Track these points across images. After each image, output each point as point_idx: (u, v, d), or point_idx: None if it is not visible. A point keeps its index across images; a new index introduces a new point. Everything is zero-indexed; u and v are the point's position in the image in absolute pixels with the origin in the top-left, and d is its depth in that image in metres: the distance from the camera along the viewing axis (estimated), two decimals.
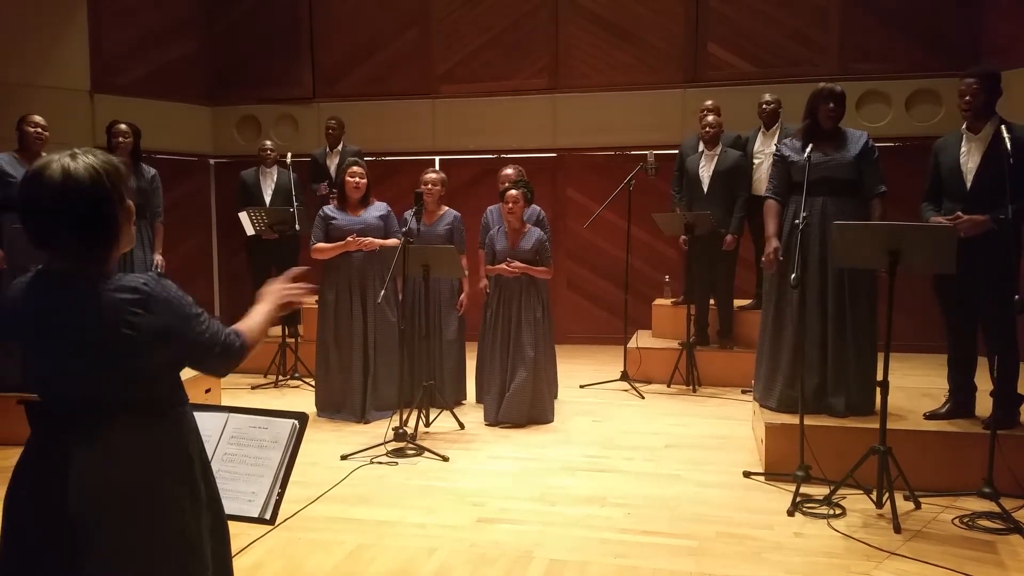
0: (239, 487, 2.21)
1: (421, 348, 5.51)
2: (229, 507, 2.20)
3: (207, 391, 5.71)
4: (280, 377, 6.73)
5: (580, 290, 8.66)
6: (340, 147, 7.54)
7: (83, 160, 1.72)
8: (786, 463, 4.15)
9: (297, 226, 6.58)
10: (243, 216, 6.69)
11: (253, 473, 2.22)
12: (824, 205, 4.35)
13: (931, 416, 4.33)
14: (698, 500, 4.01)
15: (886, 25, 7.75)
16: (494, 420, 5.39)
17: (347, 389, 5.52)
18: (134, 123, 5.72)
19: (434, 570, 3.27)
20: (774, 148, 6.29)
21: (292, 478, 2.24)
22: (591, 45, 8.44)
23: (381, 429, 5.02)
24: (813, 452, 4.00)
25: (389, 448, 4.76)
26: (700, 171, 6.51)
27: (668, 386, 6.49)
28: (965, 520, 3.67)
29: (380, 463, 4.60)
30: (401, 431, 4.80)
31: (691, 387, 6.40)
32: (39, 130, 5.29)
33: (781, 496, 4.01)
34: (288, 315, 6.97)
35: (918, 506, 3.84)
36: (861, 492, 3.90)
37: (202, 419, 2.28)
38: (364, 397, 5.51)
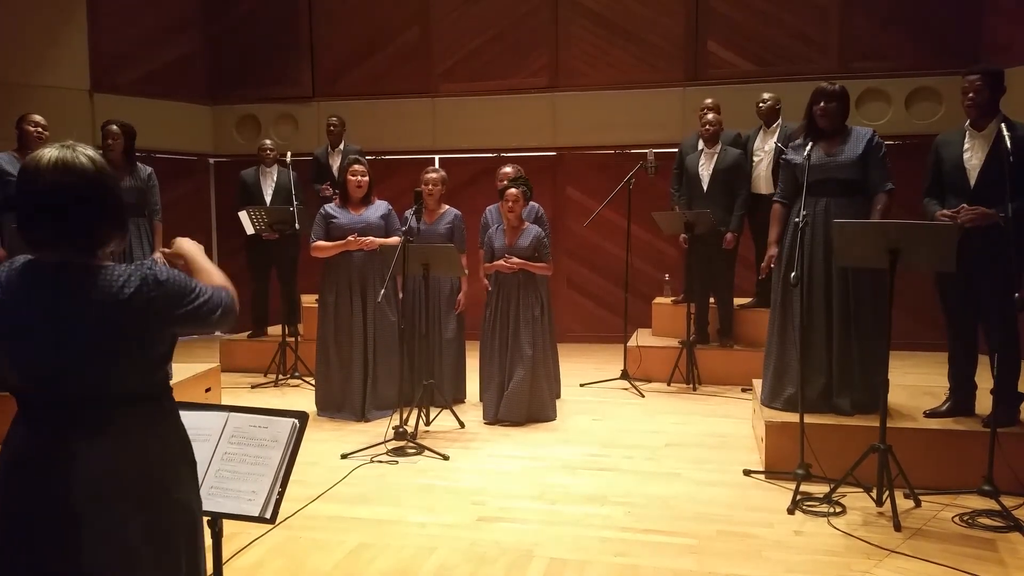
0: (239, 486, 2.21)
1: (421, 347, 5.51)
2: (229, 506, 2.20)
3: (207, 390, 5.72)
4: (280, 376, 6.73)
5: (580, 289, 8.66)
6: (342, 146, 7.53)
7: (80, 151, 1.73)
8: (786, 461, 4.15)
9: (297, 225, 6.58)
10: (243, 215, 6.69)
11: (253, 472, 2.22)
12: (828, 205, 4.34)
13: (931, 414, 4.32)
14: (698, 499, 4.01)
15: (886, 23, 7.76)
16: (493, 418, 5.40)
17: (347, 388, 5.53)
18: (127, 123, 5.63)
19: (434, 569, 3.27)
20: (773, 146, 6.33)
21: (292, 477, 2.24)
22: (591, 44, 8.44)
23: (381, 428, 5.02)
24: (813, 450, 4.00)
25: (389, 447, 4.76)
26: (700, 169, 6.50)
27: (668, 385, 6.49)
28: (965, 518, 3.66)
29: (380, 462, 4.60)
30: (401, 430, 4.80)
31: (691, 386, 6.40)
32: (39, 130, 5.29)
33: (781, 494, 4.01)
34: (288, 314, 7.01)
35: (918, 504, 3.84)
36: (861, 490, 3.90)
37: (202, 418, 2.29)
38: (364, 396, 5.51)
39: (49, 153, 1.71)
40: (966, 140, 4.10)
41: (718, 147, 6.46)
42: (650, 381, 6.60)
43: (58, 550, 1.67)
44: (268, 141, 7.36)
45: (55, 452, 1.69)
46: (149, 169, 5.74)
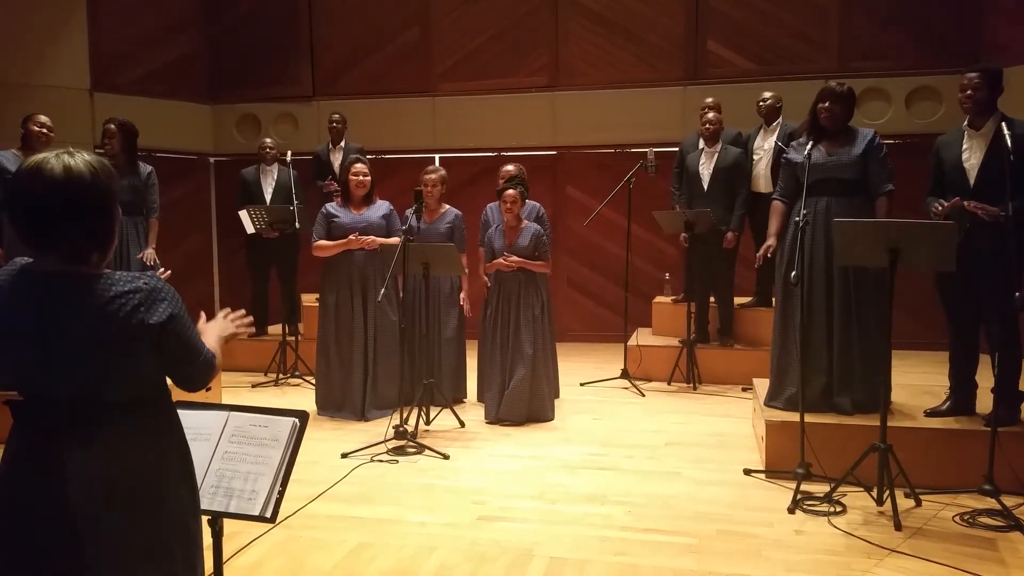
0: (239, 485, 2.21)
1: (421, 346, 5.51)
2: (229, 505, 2.20)
3: (207, 389, 5.71)
4: (280, 375, 6.73)
5: (580, 288, 8.66)
6: (343, 143, 7.51)
7: (81, 157, 1.71)
8: (786, 461, 4.15)
9: (297, 224, 6.58)
10: (243, 214, 6.68)
11: (253, 471, 2.22)
12: (828, 204, 4.34)
13: (932, 413, 4.32)
14: (698, 498, 4.01)
15: (886, 22, 7.75)
16: (494, 418, 5.40)
17: (347, 387, 5.52)
18: (127, 121, 5.63)
19: (434, 568, 3.27)
20: (774, 145, 6.33)
21: (292, 476, 2.24)
22: (591, 43, 8.43)
23: (381, 427, 5.02)
24: (813, 449, 4.00)
25: (389, 446, 4.76)
26: (700, 168, 6.50)
27: (668, 384, 6.49)
28: (966, 517, 3.66)
29: (380, 461, 4.60)
30: (401, 429, 4.80)
31: (691, 385, 6.40)
32: (44, 130, 5.30)
33: (781, 494, 4.01)
34: (289, 313, 7.01)
35: (919, 503, 3.84)
36: (862, 489, 3.90)
37: (202, 417, 2.29)
38: (364, 395, 5.51)
39: (44, 161, 1.68)
40: (964, 140, 4.10)
41: (718, 146, 6.45)
42: (650, 380, 6.60)
43: (54, 556, 1.67)
44: (268, 140, 7.36)
45: (47, 459, 1.68)
46: (149, 168, 5.74)
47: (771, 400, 4.61)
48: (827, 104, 4.32)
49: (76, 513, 1.66)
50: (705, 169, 6.48)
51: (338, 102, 8.62)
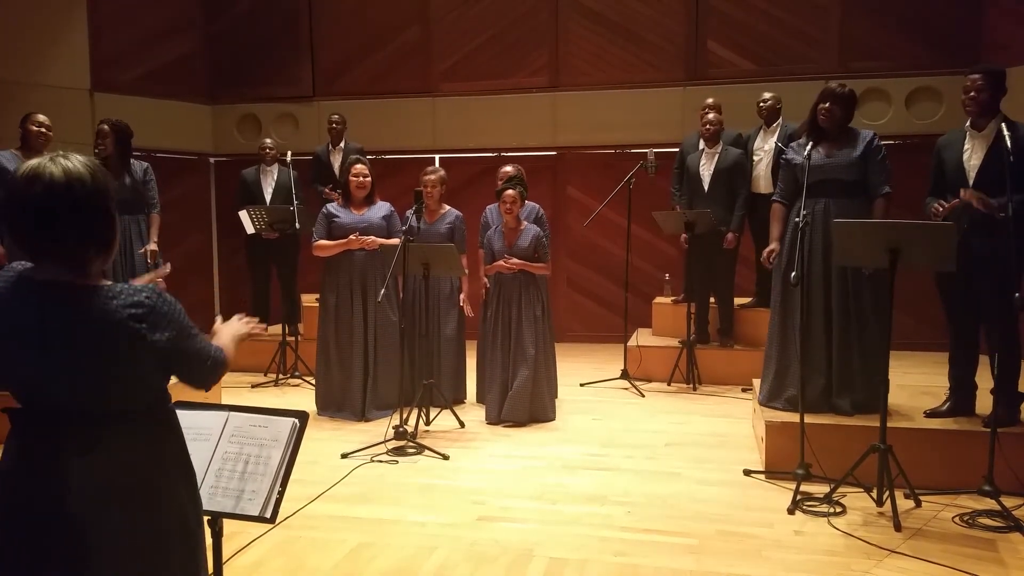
0: (239, 485, 2.21)
1: (421, 347, 5.51)
2: (229, 505, 2.20)
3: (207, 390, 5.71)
4: (280, 376, 6.73)
5: (580, 288, 8.66)
6: (343, 144, 7.51)
7: (80, 162, 1.68)
8: (786, 461, 4.16)
9: (297, 225, 6.58)
10: (243, 215, 6.68)
11: (253, 471, 2.22)
12: (827, 207, 4.34)
13: (932, 414, 4.33)
14: (698, 498, 4.01)
15: (886, 23, 7.75)
16: (496, 419, 5.39)
17: (347, 388, 5.52)
18: (119, 121, 5.60)
19: (434, 568, 3.27)
20: (774, 145, 6.33)
21: (292, 476, 2.24)
22: (591, 43, 8.43)
23: (381, 428, 5.02)
24: (813, 450, 4.00)
25: (389, 446, 4.76)
26: (701, 169, 6.50)
27: (668, 384, 6.49)
28: (965, 518, 3.67)
29: (380, 461, 4.60)
30: (401, 429, 4.80)
31: (691, 385, 6.40)
32: (43, 129, 5.29)
33: (781, 494, 4.01)
34: (289, 314, 7.01)
35: (918, 504, 3.84)
36: (861, 490, 3.90)
37: (202, 418, 2.29)
38: (364, 396, 5.51)
39: (38, 166, 1.65)
40: (966, 141, 4.10)
41: (719, 147, 6.45)
42: (650, 381, 6.60)
43: (54, 557, 1.67)
44: (269, 140, 7.36)
45: (47, 463, 1.68)
46: (145, 164, 5.72)
47: (770, 400, 4.61)
48: (827, 105, 4.32)
49: (76, 514, 1.66)
50: (705, 170, 6.48)
51: (338, 102, 8.62)
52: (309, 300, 7.29)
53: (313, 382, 5.82)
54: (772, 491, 4.10)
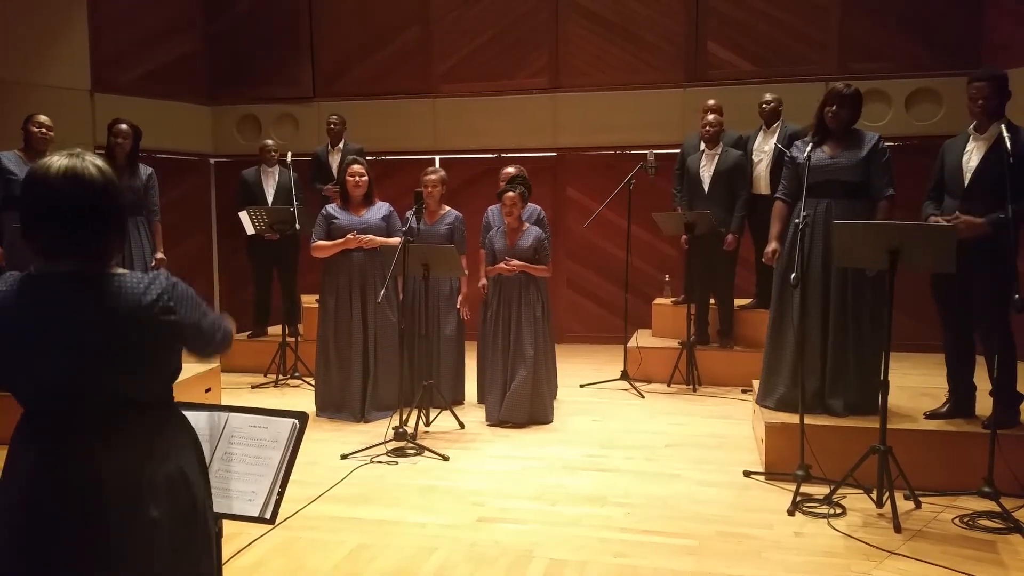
0: (239, 486, 2.21)
1: (421, 347, 5.50)
2: (229, 506, 2.20)
3: (207, 390, 5.72)
4: (280, 376, 6.73)
5: (580, 289, 8.66)
6: (342, 144, 7.51)
7: (89, 159, 1.73)
8: (786, 462, 4.15)
9: (297, 225, 6.57)
10: (243, 215, 6.68)
11: (253, 472, 2.21)
12: (828, 207, 4.34)
13: (931, 415, 4.33)
14: (698, 499, 4.01)
15: (886, 24, 7.76)
16: (496, 420, 5.39)
17: (347, 389, 5.52)
18: (135, 124, 5.71)
19: (434, 569, 3.27)
20: (773, 147, 6.33)
21: (292, 477, 2.23)
22: (591, 44, 8.44)
23: (381, 428, 5.02)
24: (813, 451, 4.00)
25: (389, 447, 4.76)
26: (701, 171, 6.50)
27: (668, 385, 6.49)
28: (965, 519, 3.66)
29: (380, 462, 4.60)
30: (401, 430, 4.80)
31: (691, 386, 6.40)
32: (43, 130, 5.31)
33: (781, 495, 4.01)
34: (288, 314, 7.01)
35: (918, 505, 3.84)
36: (861, 491, 3.90)
37: (202, 418, 2.28)
38: (364, 397, 5.51)
39: (59, 161, 1.70)
40: (968, 143, 4.11)
41: (719, 148, 6.45)
42: (650, 382, 6.60)
43: (85, 554, 1.68)
44: (270, 141, 7.35)
45: (79, 462, 1.69)
46: (149, 170, 5.76)
47: (762, 400, 4.62)
48: (834, 108, 4.32)
49: (107, 513, 1.68)
50: (706, 171, 6.48)
51: (338, 103, 8.63)
52: (309, 301, 7.29)
53: (313, 383, 5.82)
54: (772, 492, 4.10)
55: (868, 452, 3.79)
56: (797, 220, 4.04)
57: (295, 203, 6.71)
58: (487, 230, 5.82)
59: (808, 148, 4.17)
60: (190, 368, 5.66)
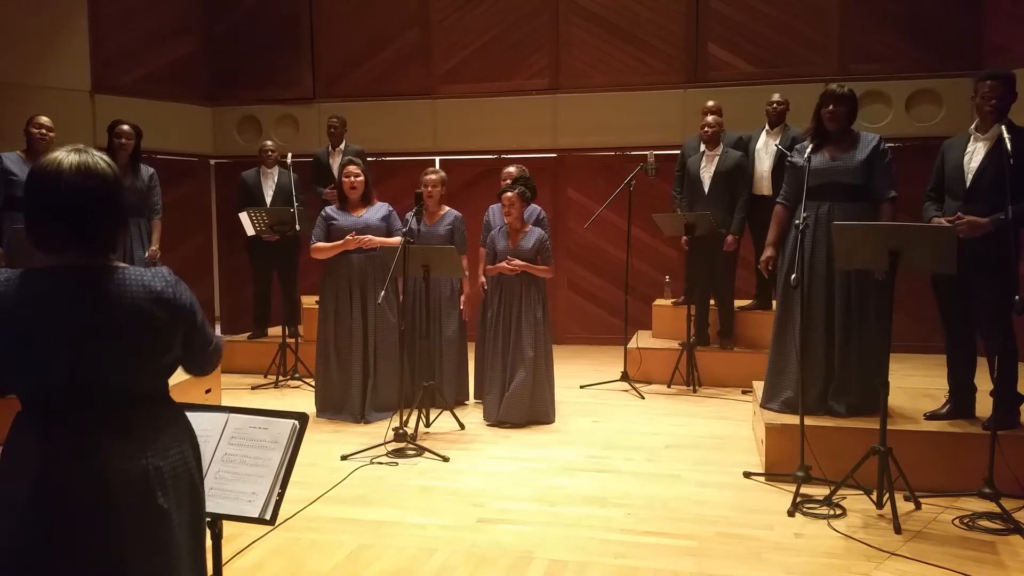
0: (239, 487, 2.21)
1: (421, 348, 5.51)
2: (229, 507, 2.20)
3: (207, 391, 5.72)
4: (280, 377, 6.73)
5: (580, 290, 8.66)
6: (343, 146, 7.50)
7: (94, 154, 1.77)
8: (786, 463, 4.15)
9: (297, 227, 6.58)
10: (243, 217, 6.68)
11: (253, 473, 2.22)
12: (831, 209, 4.34)
13: (931, 416, 4.32)
14: (698, 500, 4.01)
15: (886, 25, 7.76)
16: (495, 420, 5.40)
17: (347, 389, 5.52)
18: (136, 124, 5.72)
19: (434, 570, 3.27)
20: (775, 148, 6.32)
21: (292, 478, 2.24)
22: (591, 45, 8.44)
23: (381, 429, 5.02)
24: (813, 452, 4.00)
25: (389, 448, 4.76)
26: (701, 172, 6.50)
27: (668, 386, 6.49)
28: (965, 520, 3.66)
29: (380, 463, 4.60)
30: (401, 431, 4.80)
31: (691, 387, 6.40)
32: (43, 131, 5.32)
33: (781, 496, 4.01)
34: (289, 315, 7.01)
35: (918, 506, 3.84)
36: (861, 492, 3.90)
37: (202, 419, 2.29)
38: (364, 398, 5.51)
39: (68, 157, 1.72)
40: (970, 143, 4.11)
41: (719, 149, 6.45)
42: (650, 383, 6.60)
43: (99, 550, 1.69)
44: (270, 143, 7.34)
45: (86, 455, 1.70)
46: (151, 170, 5.77)
47: (767, 402, 4.61)
48: (831, 108, 4.32)
49: (122, 501, 1.69)
50: (706, 172, 6.48)
51: (338, 104, 8.63)
52: (309, 302, 7.29)
53: (313, 384, 5.82)
54: (772, 493, 4.09)
55: (868, 453, 3.79)
56: (798, 222, 4.04)
57: (295, 204, 6.72)
58: (487, 229, 5.82)
59: (809, 151, 4.17)
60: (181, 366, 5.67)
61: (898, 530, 3.55)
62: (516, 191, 5.39)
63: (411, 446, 4.78)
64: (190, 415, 2.26)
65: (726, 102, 6.90)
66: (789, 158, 4.65)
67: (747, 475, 4.33)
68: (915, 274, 3.97)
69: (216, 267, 9.43)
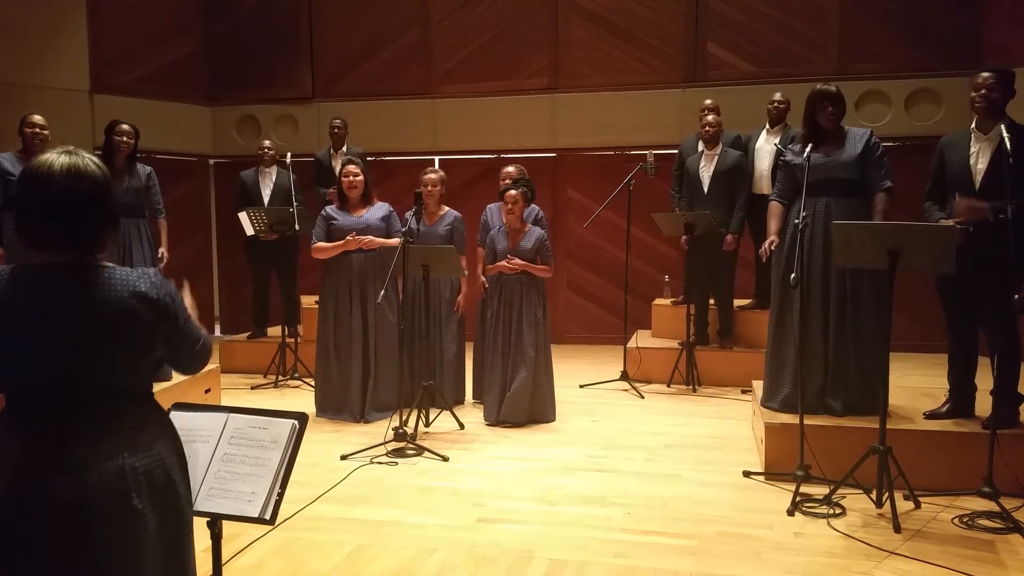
0: (239, 487, 2.20)
1: (421, 348, 5.51)
2: (229, 507, 2.20)
3: (207, 391, 5.72)
4: (280, 377, 6.73)
5: (580, 290, 8.66)
6: (344, 148, 7.48)
7: (84, 155, 1.78)
8: (786, 463, 4.15)
9: (297, 226, 6.57)
10: (243, 216, 6.68)
11: (253, 473, 2.21)
12: (828, 206, 4.34)
13: (931, 415, 4.33)
14: (698, 500, 4.01)
15: (885, 24, 7.76)
16: (495, 420, 5.40)
17: (347, 389, 5.52)
18: (134, 125, 5.72)
19: (434, 570, 3.27)
20: (775, 147, 6.32)
21: (292, 478, 2.23)
22: (591, 45, 8.44)
23: (381, 429, 5.02)
24: (813, 452, 4.00)
25: (389, 448, 4.76)
26: (700, 171, 6.50)
27: (668, 386, 6.49)
28: (965, 519, 3.66)
29: (380, 463, 4.60)
30: (401, 431, 4.80)
31: (691, 387, 6.40)
32: (36, 130, 5.31)
33: (781, 496, 4.01)
34: (288, 315, 7.01)
35: (918, 505, 3.84)
36: (861, 492, 3.90)
37: (202, 419, 2.29)
38: (364, 397, 5.51)
39: (59, 159, 1.75)
40: (972, 143, 4.08)
41: (718, 148, 6.45)
42: (650, 382, 6.60)
43: (71, 548, 1.69)
44: (267, 142, 7.34)
45: (63, 453, 1.70)
46: (148, 169, 5.76)
47: (767, 401, 4.62)
48: (830, 108, 4.32)
49: (95, 504, 1.69)
50: (705, 172, 6.48)
51: (338, 104, 8.64)
52: (309, 302, 7.29)
53: (312, 384, 5.82)
54: (772, 493, 4.10)
55: (868, 452, 3.79)
56: (797, 220, 4.04)
57: (294, 204, 6.71)
58: (486, 229, 5.82)
59: (808, 149, 4.17)
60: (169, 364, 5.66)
61: (898, 529, 3.55)
62: (520, 190, 5.39)
63: (411, 446, 4.79)
64: (190, 415, 2.26)
65: (725, 102, 6.90)
66: (782, 156, 4.65)
67: (747, 474, 4.34)
68: (917, 274, 3.96)
69: (215, 267, 9.43)
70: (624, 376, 6.56)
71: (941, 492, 3.93)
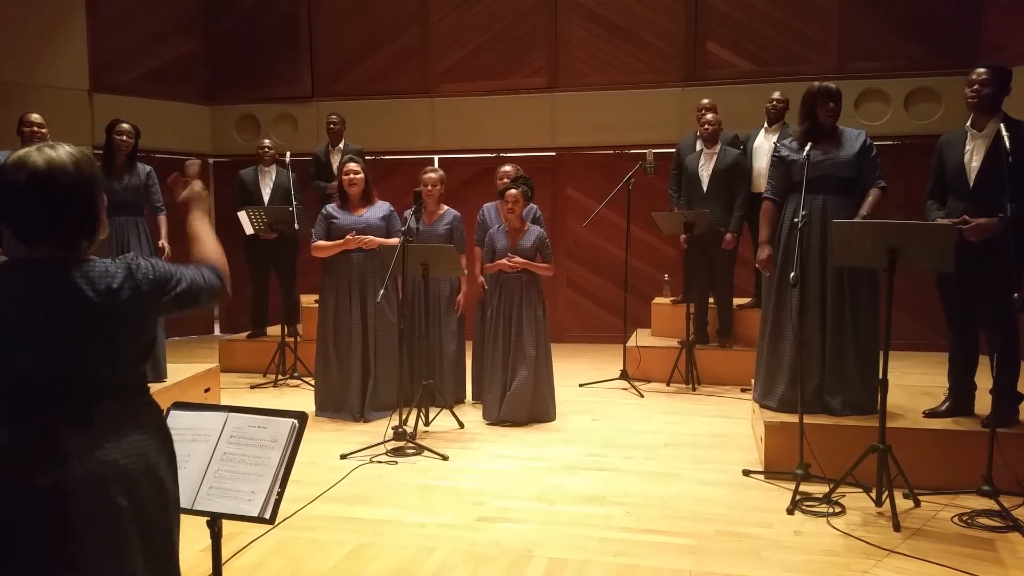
0: (238, 486, 2.21)
1: (421, 347, 5.50)
2: (229, 506, 2.20)
3: (206, 390, 5.72)
4: (279, 376, 6.73)
5: (579, 289, 8.66)
6: (342, 144, 7.50)
7: (63, 149, 1.78)
8: (785, 461, 4.15)
9: (296, 225, 6.57)
10: (242, 215, 6.68)
11: (253, 472, 2.21)
12: (824, 204, 4.34)
13: (931, 414, 4.33)
14: (697, 498, 4.01)
15: (885, 23, 7.76)
16: (495, 419, 5.40)
17: (346, 388, 5.52)
18: (134, 124, 5.72)
19: (434, 569, 3.27)
20: (774, 146, 6.31)
21: (292, 477, 2.24)
22: (590, 44, 8.44)
23: (381, 428, 5.02)
24: (812, 450, 4.00)
25: (389, 447, 4.76)
26: (699, 170, 6.50)
27: (667, 385, 6.49)
28: (964, 518, 3.66)
29: (380, 462, 4.60)
30: (401, 430, 4.80)
31: (690, 386, 6.40)
32: (34, 128, 5.30)
33: (780, 494, 4.01)
34: (288, 314, 7.00)
35: (917, 504, 3.84)
36: (860, 490, 3.90)
37: (201, 418, 2.29)
38: (364, 397, 5.51)
39: (38, 154, 1.75)
40: (967, 141, 4.08)
41: (717, 147, 6.45)
42: (649, 381, 6.60)
43: (52, 537, 1.68)
44: (267, 141, 7.34)
45: (46, 447, 1.70)
46: (148, 168, 5.76)
47: (764, 399, 4.61)
48: (831, 105, 4.33)
49: (77, 500, 1.68)
50: (704, 171, 6.48)
51: (337, 103, 8.63)
52: (308, 301, 7.29)
53: (312, 383, 5.82)
54: (771, 491, 4.10)
55: (867, 451, 3.79)
56: (796, 219, 4.03)
57: (294, 203, 6.71)
58: (483, 227, 5.82)
59: (808, 147, 4.17)
60: (190, 368, 5.68)
61: (897, 528, 3.56)
62: (520, 188, 5.39)
63: (410, 445, 4.79)
64: (190, 414, 2.27)
65: (725, 101, 6.91)
66: (776, 153, 4.62)
67: (746, 473, 4.34)
68: (916, 272, 3.96)
69: None
70: (624, 375, 6.57)
71: (941, 491, 3.93)
